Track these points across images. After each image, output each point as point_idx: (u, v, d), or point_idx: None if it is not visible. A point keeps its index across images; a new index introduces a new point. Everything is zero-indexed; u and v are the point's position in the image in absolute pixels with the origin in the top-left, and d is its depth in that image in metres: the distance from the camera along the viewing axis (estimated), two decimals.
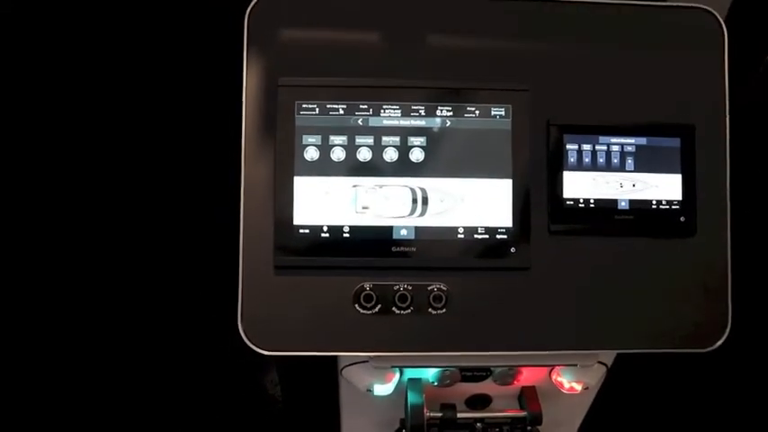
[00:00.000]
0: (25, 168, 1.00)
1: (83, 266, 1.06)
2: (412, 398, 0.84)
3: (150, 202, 1.06)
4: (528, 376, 0.88)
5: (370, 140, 0.74)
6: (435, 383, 0.86)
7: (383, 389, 0.85)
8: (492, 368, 0.85)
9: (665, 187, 0.77)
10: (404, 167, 0.74)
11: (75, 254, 1.05)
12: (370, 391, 0.85)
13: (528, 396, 0.89)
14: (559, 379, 0.87)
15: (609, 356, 0.88)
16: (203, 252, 1.08)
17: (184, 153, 1.04)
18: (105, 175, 1.04)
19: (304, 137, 0.74)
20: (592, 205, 0.76)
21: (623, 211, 0.76)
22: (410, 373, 0.86)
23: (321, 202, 0.73)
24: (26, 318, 1.06)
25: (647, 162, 0.77)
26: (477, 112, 0.75)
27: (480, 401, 0.93)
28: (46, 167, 1.01)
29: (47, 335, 1.09)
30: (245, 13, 0.75)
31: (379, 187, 0.74)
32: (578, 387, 0.86)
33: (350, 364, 0.85)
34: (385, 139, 0.74)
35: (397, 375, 0.85)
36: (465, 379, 0.86)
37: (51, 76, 0.98)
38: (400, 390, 0.87)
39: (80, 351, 1.12)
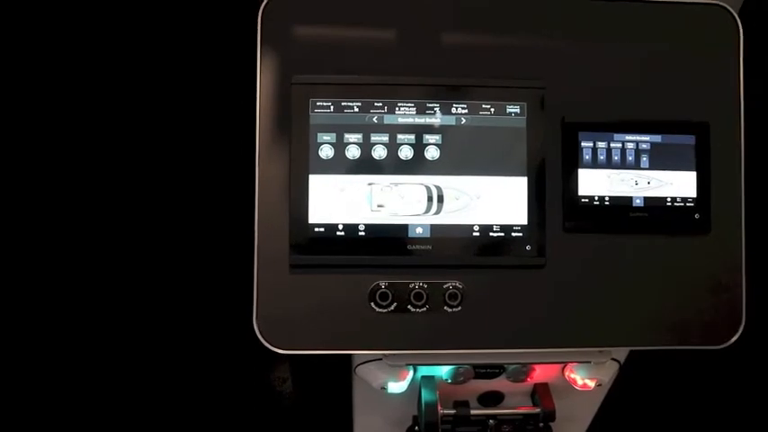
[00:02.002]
0: (41, 168, 1.00)
1: (96, 265, 1.06)
2: (426, 395, 0.84)
3: (164, 200, 1.06)
4: (541, 373, 0.88)
5: (385, 138, 0.74)
6: (449, 381, 0.85)
7: (397, 386, 0.85)
8: (505, 365, 0.85)
9: (679, 184, 0.76)
10: (419, 165, 0.74)
11: (88, 252, 1.05)
12: (383, 388, 0.85)
13: (541, 393, 0.89)
14: (573, 375, 0.87)
15: (622, 353, 0.88)
16: (215, 250, 1.07)
17: (199, 151, 1.04)
18: (121, 173, 1.03)
19: (319, 135, 0.74)
20: (606, 203, 0.76)
21: (638, 209, 0.76)
22: (423, 370, 0.86)
23: (336, 201, 0.73)
24: (43, 316, 1.06)
25: (661, 159, 0.76)
26: (492, 109, 0.75)
27: (493, 398, 0.93)
28: (56, 167, 1.01)
29: (58, 333, 1.09)
30: (258, 11, 0.74)
31: (395, 185, 0.74)
32: (591, 384, 0.86)
33: (364, 362, 0.85)
34: (400, 136, 0.74)
35: (411, 373, 0.85)
36: (478, 376, 0.86)
37: (58, 77, 0.98)
38: (413, 387, 0.87)
39: (86, 348, 1.12)
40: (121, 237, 1.06)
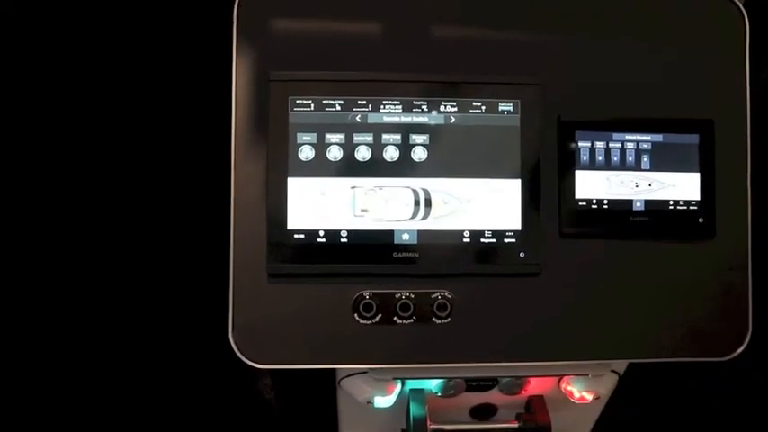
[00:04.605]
0: (18, 169, 0.97)
1: (73, 270, 1.03)
2: (414, 410, 0.81)
3: (136, 203, 1.03)
4: (536, 385, 0.86)
5: (369, 138, 0.70)
6: (439, 394, 0.82)
7: (384, 401, 0.82)
8: (498, 378, 0.82)
9: (682, 187, 0.73)
10: (405, 167, 0.70)
11: (64, 257, 1.02)
12: (370, 403, 0.82)
13: (536, 406, 0.86)
14: (569, 388, 0.84)
15: (621, 364, 0.86)
16: (198, 255, 1.04)
17: (173, 153, 1.01)
18: (90, 175, 1.00)
19: (298, 135, 0.70)
20: (605, 206, 0.73)
21: (639, 213, 0.73)
22: (412, 383, 0.83)
23: (317, 205, 0.70)
24: (19, 322, 1.03)
25: (663, 160, 0.73)
26: (483, 107, 0.71)
27: (485, 411, 0.90)
28: (36, 168, 0.98)
29: (41, 338, 1.06)
30: (233, 3, 0.71)
31: (379, 188, 0.70)
32: (589, 396, 0.83)
33: (349, 375, 0.81)
34: (385, 136, 0.70)
35: (399, 386, 0.82)
36: (470, 389, 0.83)
37: (47, 77, 0.95)
38: (401, 400, 0.84)
39: (72, 355, 1.09)
40: (92, 241, 1.03)
